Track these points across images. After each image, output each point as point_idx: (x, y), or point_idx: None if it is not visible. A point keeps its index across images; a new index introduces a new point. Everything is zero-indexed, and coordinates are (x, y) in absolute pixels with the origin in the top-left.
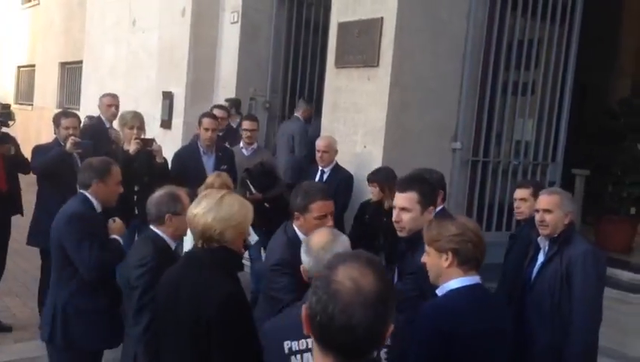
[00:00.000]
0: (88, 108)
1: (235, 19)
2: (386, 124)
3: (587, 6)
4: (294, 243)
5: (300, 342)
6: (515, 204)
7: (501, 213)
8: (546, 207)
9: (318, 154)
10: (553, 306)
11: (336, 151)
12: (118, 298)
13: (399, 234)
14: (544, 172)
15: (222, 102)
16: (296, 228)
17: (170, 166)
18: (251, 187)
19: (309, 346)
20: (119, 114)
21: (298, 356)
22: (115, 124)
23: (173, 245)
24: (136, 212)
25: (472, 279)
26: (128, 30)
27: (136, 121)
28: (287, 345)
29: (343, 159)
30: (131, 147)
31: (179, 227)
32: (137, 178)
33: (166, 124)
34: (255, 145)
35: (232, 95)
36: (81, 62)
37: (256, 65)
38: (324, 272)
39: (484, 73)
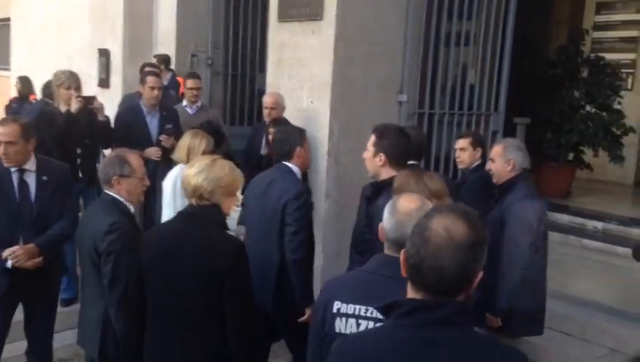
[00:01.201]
0: (19, 68)
1: None
2: (332, 78)
3: None
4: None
5: (349, 306)
6: (456, 154)
7: (447, 163)
8: (491, 157)
9: (265, 111)
10: (491, 251)
11: (283, 108)
12: None
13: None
14: (487, 121)
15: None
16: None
17: (113, 128)
18: None
19: (356, 312)
20: (54, 73)
21: (343, 319)
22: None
23: (132, 209)
24: (80, 175)
25: None
26: None
27: (73, 81)
28: (336, 305)
29: (289, 115)
30: (73, 105)
31: (129, 190)
32: (79, 140)
33: (104, 83)
34: (199, 103)
35: (172, 52)
36: (8, 19)
37: (195, 20)
38: (421, 221)
39: (427, 25)
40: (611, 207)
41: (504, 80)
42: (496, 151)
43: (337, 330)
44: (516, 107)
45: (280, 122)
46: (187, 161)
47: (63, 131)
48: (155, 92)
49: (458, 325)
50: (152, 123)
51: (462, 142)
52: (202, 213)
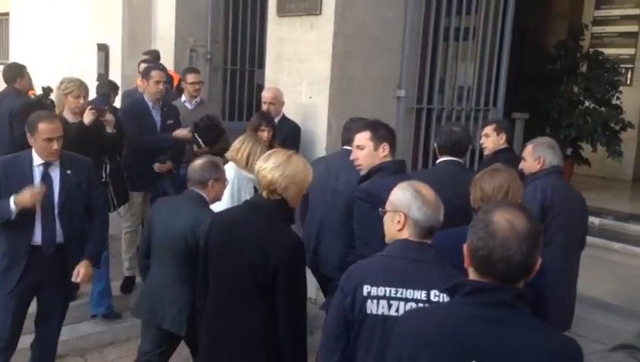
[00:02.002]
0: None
1: None
2: (330, 73)
3: None
4: None
5: (379, 288)
6: (481, 140)
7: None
8: (522, 155)
9: (264, 106)
10: None
11: (282, 103)
12: None
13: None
14: (486, 117)
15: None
16: None
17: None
18: (200, 140)
19: (387, 294)
20: (61, 81)
21: (374, 301)
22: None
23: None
24: None
25: None
26: None
27: (83, 90)
28: (366, 288)
29: (288, 111)
30: (86, 118)
31: (218, 193)
32: (87, 151)
33: (103, 78)
34: (198, 99)
35: (171, 46)
36: (7, 14)
37: (195, 15)
38: (481, 216)
39: (426, 20)
40: (609, 203)
41: (503, 75)
42: (527, 150)
43: (369, 311)
44: (515, 102)
45: (266, 115)
46: (245, 165)
47: (76, 140)
48: (160, 86)
49: (517, 308)
50: (156, 118)
51: (486, 129)
52: (270, 207)
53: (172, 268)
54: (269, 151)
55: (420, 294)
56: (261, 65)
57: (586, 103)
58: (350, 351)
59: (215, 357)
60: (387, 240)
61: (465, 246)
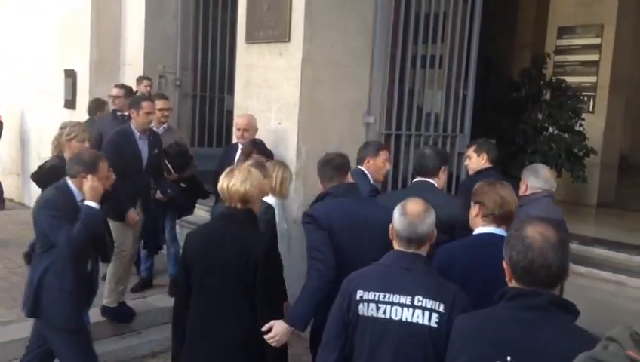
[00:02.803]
0: None
1: None
2: (299, 99)
3: None
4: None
5: (370, 293)
6: (465, 162)
7: None
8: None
9: (238, 133)
10: None
11: (256, 130)
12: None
13: None
14: (453, 143)
15: (128, 80)
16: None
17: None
18: (170, 167)
19: (375, 298)
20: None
21: (365, 304)
22: None
23: None
24: None
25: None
26: (24, 3)
27: (86, 134)
28: (359, 293)
29: (258, 136)
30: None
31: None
32: None
33: (69, 103)
34: (166, 125)
35: (140, 73)
36: None
37: (164, 41)
38: (514, 233)
39: (393, 47)
40: (574, 228)
41: (469, 102)
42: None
43: (361, 313)
44: (482, 128)
45: (256, 143)
46: (280, 191)
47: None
48: (151, 116)
49: (550, 312)
50: (143, 148)
51: (468, 151)
52: (243, 216)
53: None
54: (228, 170)
55: (405, 299)
56: (230, 91)
57: (550, 130)
58: (348, 348)
59: (199, 359)
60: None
61: (504, 263)
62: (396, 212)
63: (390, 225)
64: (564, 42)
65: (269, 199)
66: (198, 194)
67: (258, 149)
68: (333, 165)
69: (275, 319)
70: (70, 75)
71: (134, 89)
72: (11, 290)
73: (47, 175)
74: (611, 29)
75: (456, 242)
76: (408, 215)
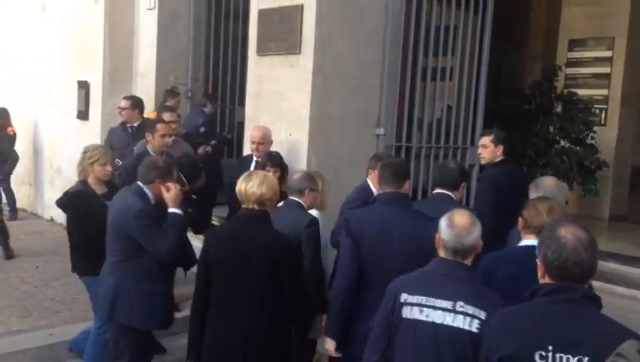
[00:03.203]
0: None
1: (152, 6)
2: (310, 111)
3: None
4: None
5: (414, 297)
6: (479, 150)
7: (425, 195)
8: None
9: (253, 146)
10: None
11: (271, 142)
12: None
13: None
14: (464, 155)
15: (141, 92)
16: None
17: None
18: (183, 179)
19: (419, 301)
20: (84, 150)
21: (408, 307)
22: None
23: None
24: None
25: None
26: (38, 16)
27: (109, 156)
28: (404, 296)
29: None
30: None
31: (313, 200)
32: None
33: (82, 115)
34: (173, 137)
35: (152, 84)
36: None
37: (176, 53)
38: (548, 234)
39: (404, 60)
40: None
41: (480, 114)
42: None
43: (404, 316)
44: None
45: (272, 156)
46: (322, 203)
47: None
48: (167, 139)
49: (584, 305)
50: None
51: (483, 140)
52: (261, 217)
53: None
54: (245, 174)
55: (447, 304)
56: (241, 102)
57: (562, 143)
58: (390, 349)
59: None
60: None
61: (538, 261)
62: (443, 222)
63: (436, 234)
64: (576, 55)
65: (313, 211)
66: (210, 204)
67: (273, 162)
68: (391, 171)
69: (302, 313)
70: (83, 87)
71: (167, 103)
72: (23, 300)
73: (72, 201)
74: (623, 41)
75: (501, 251)
76: (455, 226)
